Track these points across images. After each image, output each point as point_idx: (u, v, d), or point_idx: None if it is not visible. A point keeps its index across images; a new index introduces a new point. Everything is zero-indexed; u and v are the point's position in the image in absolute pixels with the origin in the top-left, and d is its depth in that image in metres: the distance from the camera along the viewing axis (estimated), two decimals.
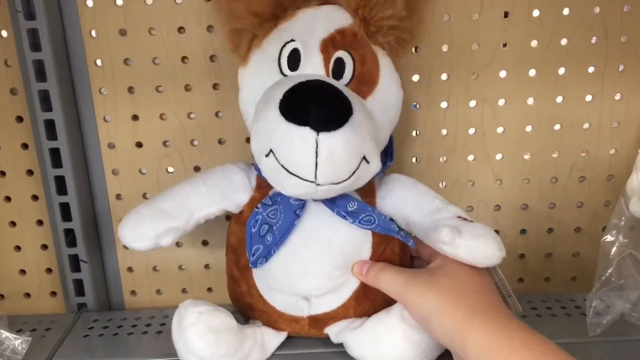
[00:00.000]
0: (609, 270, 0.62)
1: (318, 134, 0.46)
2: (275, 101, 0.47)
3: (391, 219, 0.58)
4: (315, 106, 0.46)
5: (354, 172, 0.49)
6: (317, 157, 0.46)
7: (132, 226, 0.57)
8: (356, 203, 0.55)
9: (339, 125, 0.46)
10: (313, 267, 0.56)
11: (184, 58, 0.66)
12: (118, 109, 0.68)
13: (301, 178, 0.48)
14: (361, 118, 0.48)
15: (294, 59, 0.53)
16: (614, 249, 0.62)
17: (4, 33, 0.65)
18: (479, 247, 0.52)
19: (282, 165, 0.48)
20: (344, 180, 0.49)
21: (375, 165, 0.51)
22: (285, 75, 0.53)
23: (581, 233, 0.73)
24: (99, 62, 0.66)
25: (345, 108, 0.47)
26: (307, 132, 0.46)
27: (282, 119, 0.47)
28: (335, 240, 0.56)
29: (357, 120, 0.47)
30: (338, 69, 0.53)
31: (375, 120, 0.52)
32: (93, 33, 0.65)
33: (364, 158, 0.49)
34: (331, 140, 0.46)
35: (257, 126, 0.50)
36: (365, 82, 0.54)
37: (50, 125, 0.64)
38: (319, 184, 0.48)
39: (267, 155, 0.49)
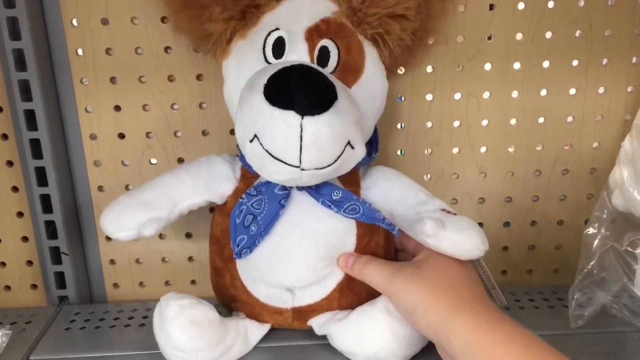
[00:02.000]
0: (591, 263, 0.63)
1: (302, 118, 0.45)
2: (259, 86, 0.47)
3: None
4: (300, 90, 0.46)
5: (338, 157, 0.49)
6: (301, 141, 0.46)
7: (114, 216, 0.56)
8: (341, 192, 0.55)
9: (323, 109, 0.46)
10: (297, 258, 0.56)
11: (167, 48, 0.65)
12: (100, 100, 0.67)
13: (285, 163, 0.48)
14: (346, 103, 0.48)
15: (279, 48, 0.53)
16: (596, 242, 0.63)
17: None
18: (462, 240, 0.52)
19: (267, 150, 0.48)
20: (329, 165, 0.49)
21: (360, 150, 0.51)
22: (269, 63, 0.53)
23: (564, 226, 0.73)
24: (80, 51, 0.65)
25: (330, 93, 0.47)
26: (291, 116, 0.45)
27: (266, 103, 0.46)
28: (320, 231, 0.56)
29: (342, 105, 0.47)
30: (323, 57, 0.53)
31: (360, 108, 0.52)
32: (74, 22, 0.64)
33: (349, 143, 0.49)
34: (316, 125, 0.46)
35: (242, 112, 0.50)
36: (350, 71, 0.54)
37: (30, 115, 0.63)
38: (303, 169, 0.48)
39: (251, 141, 0.49)
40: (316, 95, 0.46)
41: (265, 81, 0.47)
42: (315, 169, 0.48)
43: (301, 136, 0.46)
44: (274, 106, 0.46)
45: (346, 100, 0.48)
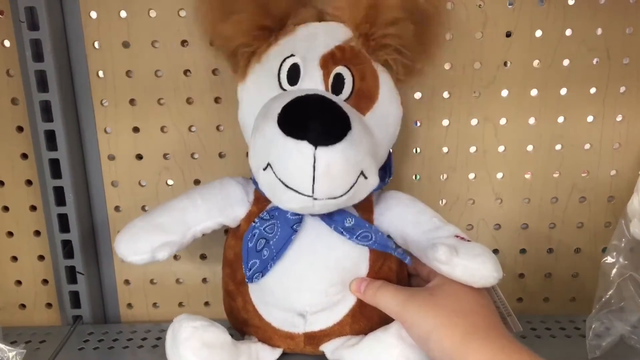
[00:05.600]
0: (609, 292, 0.62)
1: (316, 148, 0.46)
2: (273, 115, 0.48)
3: (388, 236, 0.58)
4: (314, 120, 0.46)
5: (351, 187, 0.49)
6: (314, 171, 0.46)
7: (128, 240, 0.57)
8: (353, 219, 0.55)
9: (337, 140, 0.46)
10: (309, 283, 0.56)
11: (186, 71, 0.66)
12: (119, 121, 0.68)
13: (298, 192, 0.48)
14: (360, 133, 0.48)
15: (294, 74, 0.53)
16: (614, 271, 0.62)
17: (7, 43, 0.65)
18: (476, 267, 0.52)
19: (280, 179, 0.48)
20: (341, 195, 0.49)
21: (373, 180, 0.51)
22: (284, 90, 0.53)
23: (581, 254, 0.73)
24: (101, 73, 0.66)
25: (344, 123, 0.47)
26: (305, 146, 0.46)
27: (280, 132, 0.47)
28: (332, 256, 0.56)
29: (356, 135, 0.47)
30: (337, 84, 0.53)
31: (373, 136, 0.52)
32: (96, 44, 0.65)
33: (362, 173, 0.49)
34: (329, 155, 0.46)
35: (255, 140, 0.50)
36: (365, 98, 0.54)
37: (50, 135, 0.64)
38: (316, 198, 0.48)
39: (264, 169, 0.49)
40: (330, 125, 0.47)
41: (279, 110, 0.47)
42: (328, 198, 0.48)
43: (314, 166, 0.46)
44: (287, 136, 0.46)
45: (360, 129, 0.49)
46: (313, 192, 0.47)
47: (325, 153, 0.46)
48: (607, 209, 0.71)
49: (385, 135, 0.56)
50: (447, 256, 0.51)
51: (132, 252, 0.56)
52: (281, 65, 0.54)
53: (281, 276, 0.55)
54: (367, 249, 0.56)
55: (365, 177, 0.50)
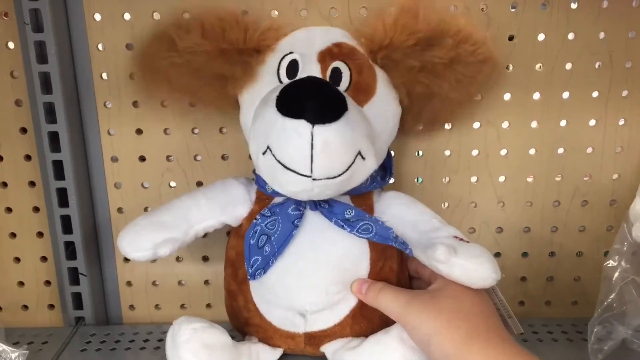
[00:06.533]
0: (611, 296, 0.61)
1: (313, 127, 0.46)
2: (272, 101, 0.49)
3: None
4: (311, 100, 0.47)
5: (349, 167, 0.49)
6: (312, 149, 0.47)
7: (130, 237, 0.57)
8: (353, 210, 0.55)
9: (333, 118, 0.47)
10: (310, 280, 0.56)
11: None
12: (122, 123, 0.68)
13: (297, 173, 0.48)
14: (356, 115, 0.49)
15: (292, 69, 0.55)
16: (616, 275, 0.62)
17: (11, 45, 0.65)
18: (474, 268, 0.52)
19: (279, 161, 0.49)
20: (340, 175, 0.49)
21: (371, 162, 0.51)
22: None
23: (583, 257, 0.73)
24: (104, 75, 0.67)
25: (341, 103, 0.48)
26: (302, 125, 0.46)
27: (278, 114, 0.48)
28: (333, 253, 0.56)
29: (352, 116, 0.48)
30: (335, 78, 0.54)
31: (372, 126, 0.53)
32: (100, 46, 0.66)
33: (360, 154, 0.50)
34: (326, 133, 0.47)
35: (255, 126, 0.51)
36: (362, 91, 0.55)
37: (54, 137, 0.65)
38: (315, 179, 0.49)
39: (264, 153, 0.50)
40: (327, 105, 0.47)
41: (277, 94, 0.48)
42: (327, 178, 0.49)
43: (312, 144, 0.47)
44: (285, 116, 0.47)
45: (357, 112, 0.50)
46: (312, 172, 0.48)
47: (323, 131, 0.47)
48: (610, 213, 0.71)
49: (384, 129, 0.56)
50: (446, 256, 0.51)
51: (135, 249, 0.57)
52: (280, 62, 0.55)
53: (282, 273, 0.56)
54: (368, 248, 0.57)
55: (363, 158, 0.50)
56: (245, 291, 0.59)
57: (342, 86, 0.54)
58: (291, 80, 0.49)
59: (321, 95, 0.48)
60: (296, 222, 0.55)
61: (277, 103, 0.48)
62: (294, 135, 0.47)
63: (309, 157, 0.47)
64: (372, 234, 0.54)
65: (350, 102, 0.49)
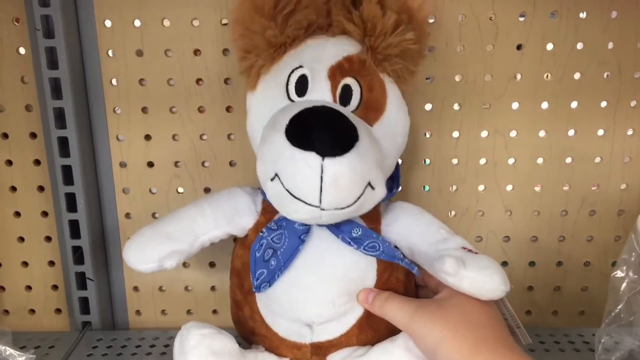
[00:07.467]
0: (619, 307, 0.61)
1: (323, 159, 0.46)
2: (281, 126, 0.48)
3: (395, 247, 0.58)
4: (321, 132, 0.47)
5: (358, 198, 0.49)
6: (321, 182, 0.46)
7: (136, 249, 0.57)
8: (361, 229, 0.55)
9: (344, 151, 0.46)
10: (316, 293, 0.56)
11: (198, 80, 0.67)
12: (131, 129, 0.68)
13: (306, 203, 0.48)
14: (367, 144, 0.48)
15: (302, 85, 0.53)
16: (623, 285, 0.61)
17: (22, 50, 0.66)
18: (483, 280, 0.51)
19: (287, 190, 0.48)
20: (349, 206, 0.49)
21: (381, 191, 0.51)
22: (292, 101, 0.53)
23: (590, 267, 0.72)
24: (114, 81, 0.67)
25: (351, 134, 0.47)
26: (312, 157, 0.46)
27: (287, 143, 0.47)
28: (340, 266, 0.55)
29: (363, 147, 0.48)
30: (345, 96, 0.53)
31: (381, 147, 0.52)
32: (110, 53, 0.66)
33: (369, 184, 0.49)
34: (336, 166, 0.46)
35: (263, 151, 0.50)
36: (372, 109, 0.54)
37: (63, 142, 0.65)
38: (323, 209, 0.48)
39: (272, 180, 0.49)
40: (337, 136, 0.47)
41: (287, 121, 0.48)
42: (336, 209, 0.49)
43: (322, 177, 0.46)
44: (295, 147, 0.46)
45: (367, 141, 0.49)
46: (320, 203, 0.48)
47: (333, 164, 0.46)
48: (617, 223, 0.71)
49: (394, 145, 0.56)
50: (455, 268, 0.51)
51: (140, 261, 0.56)
52: (289, 76, 0.54)
53: (288, 286, 0.55)
54: (375, 259, 0.56)
55: (373, 188, 0.50)
56: (251, 302, 0.59)
57: (353, 104, 0.53)
58: (301, 107, 0.48)
59: (332, 127, 0.47)
60: (303, 236, 0.54)
61: (287, 132, 0.47)
62: (304, 167, 0.46)
63: (318, 189, 0.47)
64: (379, 252, 0.54)
65: (361, 128, 0.48)
